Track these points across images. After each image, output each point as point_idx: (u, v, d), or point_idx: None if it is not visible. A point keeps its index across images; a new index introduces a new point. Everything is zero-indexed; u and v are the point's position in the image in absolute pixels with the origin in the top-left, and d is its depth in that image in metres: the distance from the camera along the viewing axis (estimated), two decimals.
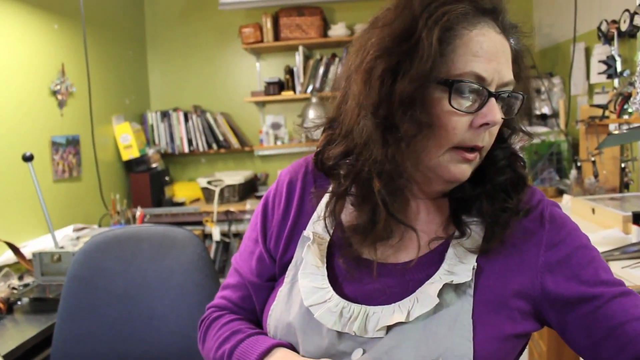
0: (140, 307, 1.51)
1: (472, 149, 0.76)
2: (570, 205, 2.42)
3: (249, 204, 3.60)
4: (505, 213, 0.80)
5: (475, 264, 0.79)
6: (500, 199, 0.81)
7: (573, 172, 2.76)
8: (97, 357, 1.48)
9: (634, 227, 1.76)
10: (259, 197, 3.78)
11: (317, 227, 0.86)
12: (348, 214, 0.85)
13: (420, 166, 0.78)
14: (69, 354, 1.48)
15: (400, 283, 0.80)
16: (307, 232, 0.86)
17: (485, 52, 0.73)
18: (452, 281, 0.76)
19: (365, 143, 0.76)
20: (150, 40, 4.11)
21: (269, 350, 0.80)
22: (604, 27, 2.56)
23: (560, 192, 2.84)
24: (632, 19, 2.31)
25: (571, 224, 0.83)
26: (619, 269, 1.60)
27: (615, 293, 0.76)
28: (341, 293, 0.81)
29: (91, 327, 1.49)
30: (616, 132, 1.89)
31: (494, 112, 0.73)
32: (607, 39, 2.55)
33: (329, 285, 0.81)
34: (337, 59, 3.84)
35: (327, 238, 0.85)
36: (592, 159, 2.53)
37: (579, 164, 2.74)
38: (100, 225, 3.05)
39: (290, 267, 0.87)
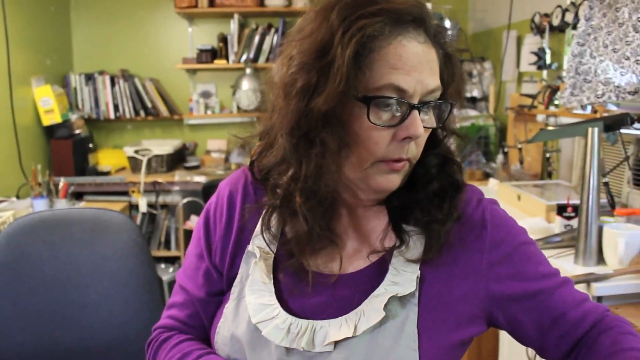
0: (71, 295, 1.44)
1: (399, 159, 0.75)
2: (497, 190, 2.53)
3: (177, 175, 3.50)
4: (438, 224, 0.79)
5: (419, 272, 0.79)
6: (434, 208, 0.80)
7: (500, 157, 2.88)
8: (24, 349, 1.41)
9: (557, 218, 1.86)
10: (188, 168, 3.69)
11: (260, 241, 0.84)
12: (291, 226, 0.83)
13: (346, 178, 0.77)
14: None
15: (346, 295, 0.80)
16: (252, 247, 0.85)
17: (405, 64, 0.71)
18: (397, 294, 0.77)
19: (285, 159, 0.76)
20: None
21: None
22: (537, 19, 2.65)
23: (486, 175, 2.96)
24: (563, 15, 2.41)
25: (510, 220, 0.85)
26: None
27: (555, 284, 0.81)
28: (287, 308, 0.80)
29: (17, 317, 1.41)
30: (550, 127, 1.98)
31: (416, 125, 0.72)
32: (539, 31, 2.65)
33: (277, 301, 0.80)
34: (272, 30, 3.74)
35: (272, 253, 0.83)
36: (519, 146, 2.65)
37: (506, 149, 2.86)
38: (18, 197, 2.86)
39: (236, 283, 0.85)
